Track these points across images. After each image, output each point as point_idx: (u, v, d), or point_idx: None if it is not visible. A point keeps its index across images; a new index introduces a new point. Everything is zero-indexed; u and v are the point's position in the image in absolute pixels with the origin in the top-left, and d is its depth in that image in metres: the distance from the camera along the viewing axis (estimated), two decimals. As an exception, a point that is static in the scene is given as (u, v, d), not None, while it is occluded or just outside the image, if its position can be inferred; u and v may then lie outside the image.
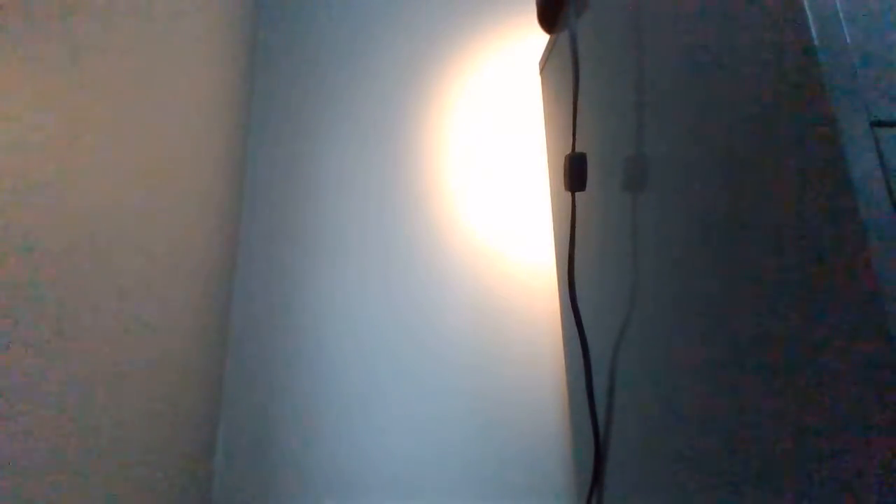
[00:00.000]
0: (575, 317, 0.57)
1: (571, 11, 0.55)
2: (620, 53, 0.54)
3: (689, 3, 0.42)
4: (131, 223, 0.53)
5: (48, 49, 0.40)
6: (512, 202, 0.88)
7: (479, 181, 0.89)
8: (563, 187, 0.75)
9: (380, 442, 0.77)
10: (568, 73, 0.71)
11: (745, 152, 0.34)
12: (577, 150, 0.67)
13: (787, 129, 0.31)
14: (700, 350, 0.39)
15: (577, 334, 0.67)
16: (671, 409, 0.43)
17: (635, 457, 0.50)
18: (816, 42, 0.29)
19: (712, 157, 0.38)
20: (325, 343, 0.81)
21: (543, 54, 0.83)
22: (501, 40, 0.96)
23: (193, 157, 0.68)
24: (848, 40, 0.30)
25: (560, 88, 0.75)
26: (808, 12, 0.30)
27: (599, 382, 0.60)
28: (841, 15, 0.30)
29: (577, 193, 0.68)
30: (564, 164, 0.56)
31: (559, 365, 0.81)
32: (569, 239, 0.57)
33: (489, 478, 0.76)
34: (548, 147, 0.82)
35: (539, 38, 0.97)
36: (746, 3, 0.35)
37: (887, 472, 0.24)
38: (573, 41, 0.54)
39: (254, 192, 0.88)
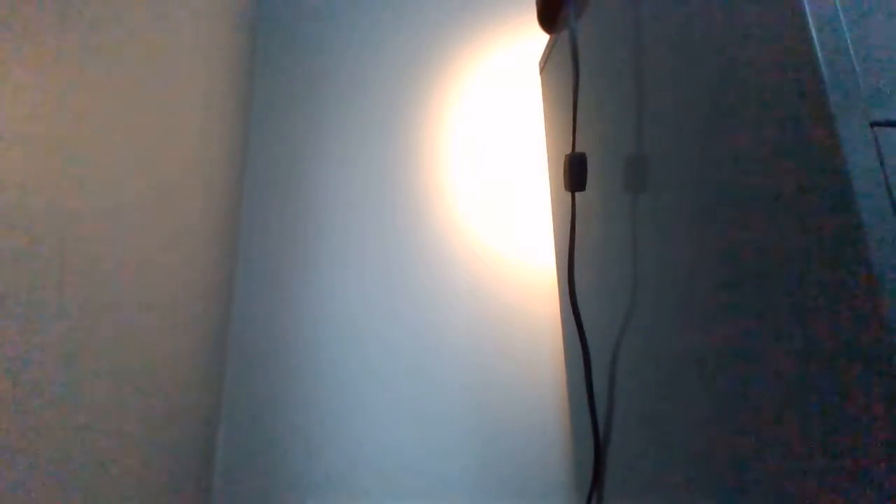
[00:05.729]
0: (575, 317, 0.57)
1: (571, 11, 0.55)
2: (620, 53, 0.54)
3: (689, 2, 0.42)
4: (131, 223, 0.53)
5: (49, 49, 0.40)
6: (512, 202, 0.88)
7: (479, 181, 0.89)
8: (563, 187, 0.75)
9: (379, 441, 0.77)
10: (568, 73, 0.71)
11: (745, 152, 0.34)
12: (577, 150, 0.67)
13: (787, 128, 0.31)
14: (700, 349, 0.39)
15: (577, 334, 0.67)
16: (671, 408, 0.43)
17: (635, 456, 0.50)
18: (816, 42, 0.29)
19: (712, 157, 0.38)
20: (324, 343, 0.81)
21: (543, 54, 0.83)
22: (501, 40, 0.96)
23: (194, 156, 0.68)
24: (848, 40, 0.30)
25: (560, 88, 0.75)
26: (808, 12, 0.30)
27: (599, 382, 0.60)
28: (841, 14, 0.30)
29: (577, 193, 0.68)
30: (564, 164, 0.56)
31: (559, 365, 0.81)
32: (569, 239, 0.57)
33: (489, 477, 0.76)
34: (548, 147, 0.82)
35: (539, 38, 0.97)
36: (747, 2, 0.35)
37: (889, 471, 0.24)
38: (573, 41, 0.54)
39: (254, 191, 0.88)
